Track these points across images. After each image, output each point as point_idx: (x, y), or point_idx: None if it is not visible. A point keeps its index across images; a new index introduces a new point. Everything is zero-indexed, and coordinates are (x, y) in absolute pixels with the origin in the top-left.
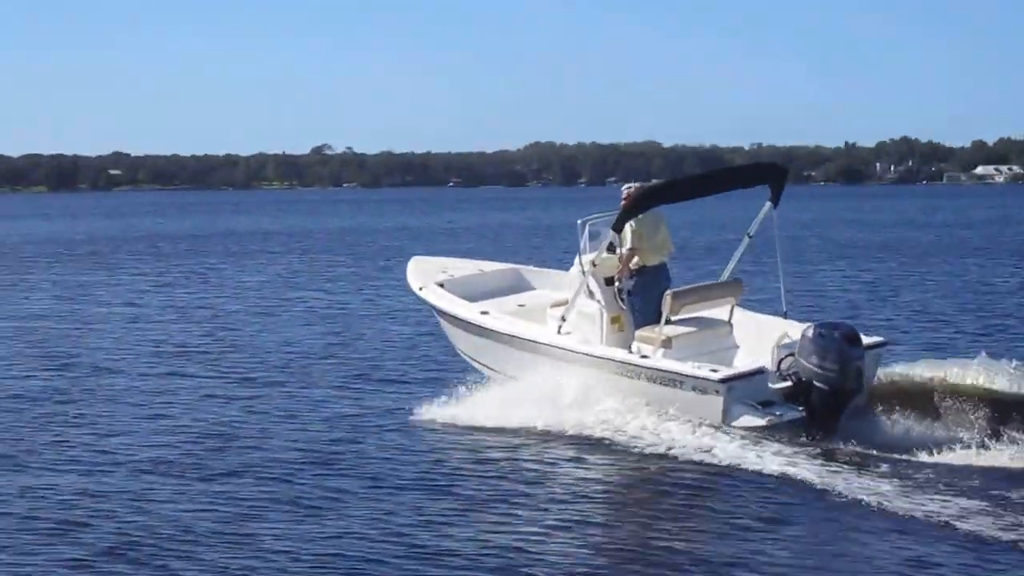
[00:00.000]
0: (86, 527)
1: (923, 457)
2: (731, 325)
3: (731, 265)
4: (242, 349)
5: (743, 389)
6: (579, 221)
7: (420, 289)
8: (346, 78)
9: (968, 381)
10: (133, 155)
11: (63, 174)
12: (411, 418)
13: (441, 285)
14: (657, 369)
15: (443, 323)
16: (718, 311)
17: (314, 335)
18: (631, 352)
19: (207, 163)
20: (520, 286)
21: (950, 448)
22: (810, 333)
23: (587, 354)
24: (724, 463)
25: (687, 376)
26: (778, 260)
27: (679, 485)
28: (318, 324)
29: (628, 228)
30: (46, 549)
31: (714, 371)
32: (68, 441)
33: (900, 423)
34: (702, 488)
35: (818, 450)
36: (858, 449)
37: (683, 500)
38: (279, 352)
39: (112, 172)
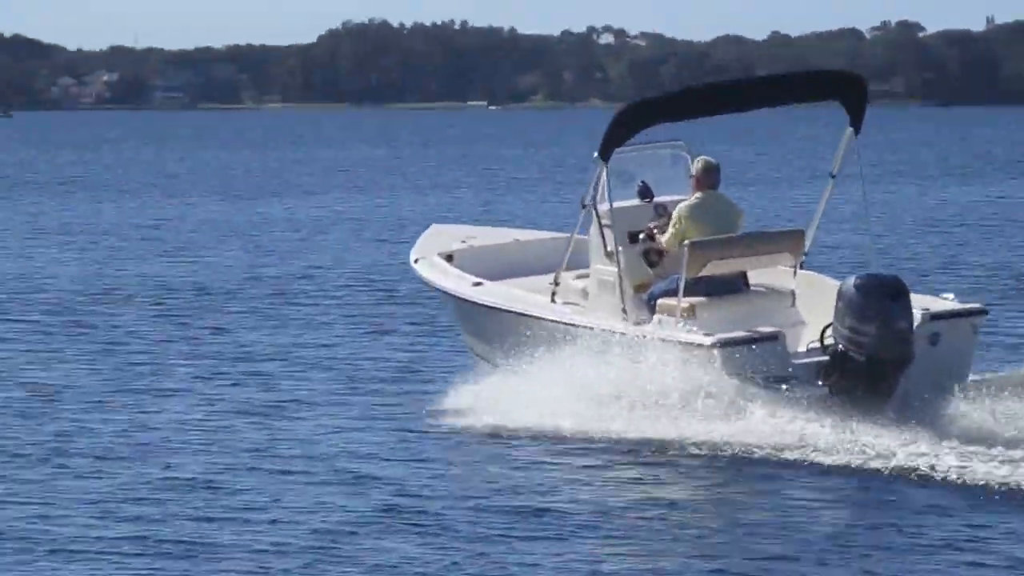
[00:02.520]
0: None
1: None
2: (792, 293)
3: (816, 218)
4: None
5: (747, 359)
6: (595, 155)
7: (416, 262)
8: None
9: None
10: None
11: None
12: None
13: (449, 257)
14: (629, 335)
15: (447, 307)
16: (775, 273)
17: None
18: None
19: None
20: (571, 261)
21: None
22: (844, 289)
23: (569, 323)
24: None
25: (674, 342)
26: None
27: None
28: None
29: (679, 214)
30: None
31: (708, 335)
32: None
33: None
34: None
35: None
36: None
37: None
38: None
39: None
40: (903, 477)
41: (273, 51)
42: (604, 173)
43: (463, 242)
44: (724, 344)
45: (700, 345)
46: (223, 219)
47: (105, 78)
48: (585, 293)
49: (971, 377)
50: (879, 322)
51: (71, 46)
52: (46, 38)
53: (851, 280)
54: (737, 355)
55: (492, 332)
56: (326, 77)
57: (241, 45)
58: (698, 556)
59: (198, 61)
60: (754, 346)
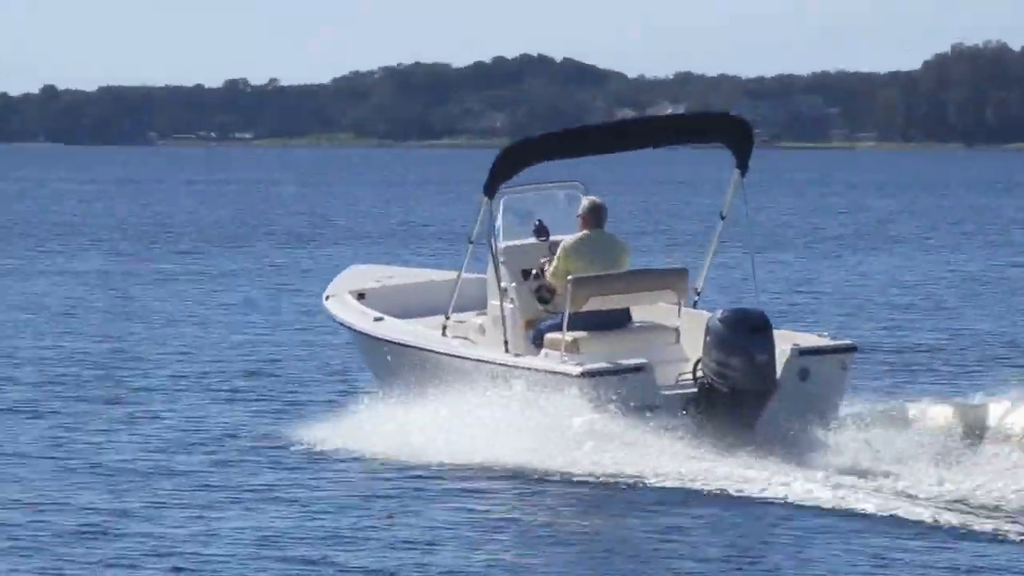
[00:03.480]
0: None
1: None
2: (676, 330)
3: (708, 257)
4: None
5: (613, 388)
6: (494, 195)
7: (327, 299)
8: None
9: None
10: None
11: None
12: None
13: (361, 295)
14: (505, 365)
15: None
16: (661, 310)
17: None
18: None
19: None
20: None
21: None
22: (711, 324)
23: (450, 355)
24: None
25: (543, 371)
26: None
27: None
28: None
29: (562, 250)
30: None
31: (578, 364)
32: None
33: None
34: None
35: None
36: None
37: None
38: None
39: None
40: (757, 502)
41: (868, 80)
42: (487, 210)
43: (377, 282)
44: (590, 374)
45: (567, 375)
46: None
47: (670, 110)
48: (483, 329)
49: (842, 411)
50: (741, 355)
51: (631, 73)
52: (602, 63)
53: (717, 314)
54: (602, 385)
55: (386, 364)
56: (932, 111)
57: (830, 73)
58: None
59: (778, 92)
60: (619, 376)
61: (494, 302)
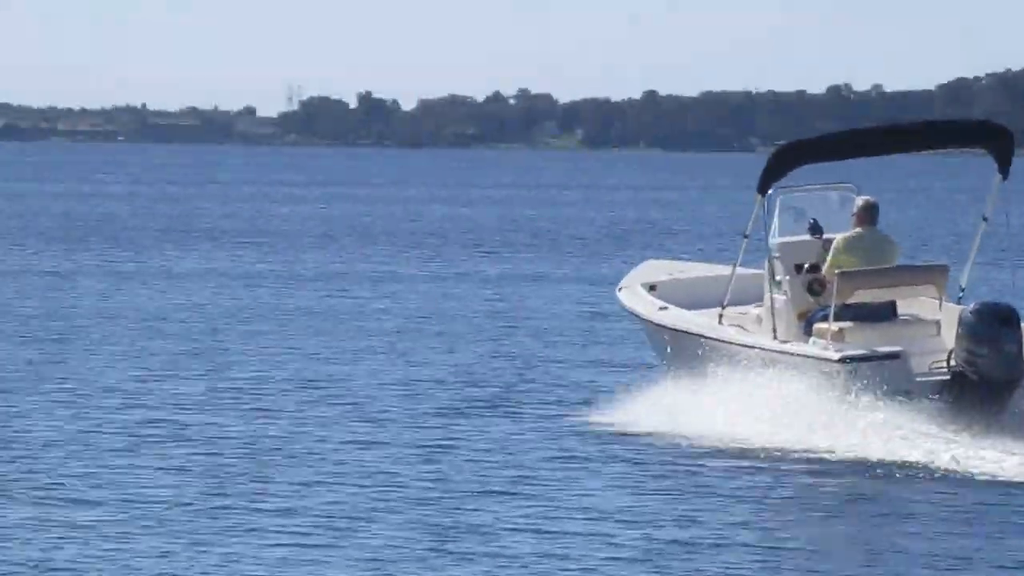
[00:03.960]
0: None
1: None
2: (937, 323)
3: (971, 256)
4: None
5: (871, 374)
6: (769, 192)
7: (620, 290)
8: None
9: None
10: None
11: None
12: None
13: (652, 288)
14: (771, 350)
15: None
16: (924, 305)
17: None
18: None
19: None
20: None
21: None
22: (963, 316)
23: (720, 340)
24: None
25: (798, 355)
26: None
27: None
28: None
29: (836, 246)
30: None
31: (837, 351)
32: None
33: None
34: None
35: None
36: None
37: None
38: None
39: None
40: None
41: None
42: (761, 206)
43: (669, 275)
44: (849, 359)
45: (828, 360)
46: None
47: None
48: (759, 319)
49: None
50: (990, 345)
51: None
52: None
53: (970, 307)
54: (859, 370)
55: (668, 351)
56: None
57: None
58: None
59: None
60: (876, 363)
61: (769, 294)
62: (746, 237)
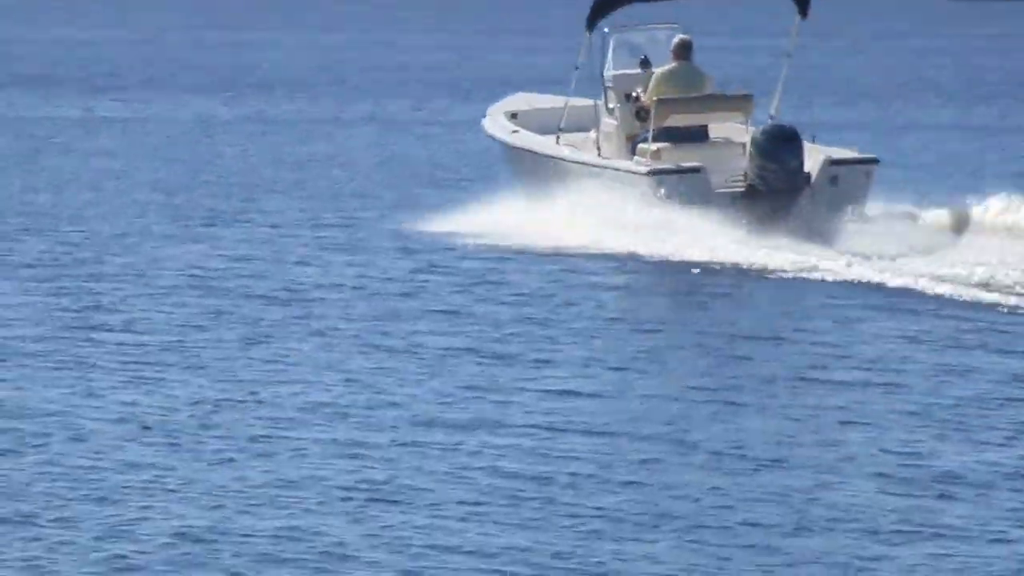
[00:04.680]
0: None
1: None
2: (743, 145)
3: (779, 86)
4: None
5: (675, 185)
6: (605, 30)
7: (485, 117)
8: None
9: None
10: None
11: None
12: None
13: (514, 116)
14: (594, 165)
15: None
16: (733, 129)
17: None
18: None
19: None
20: None
21: None
22: (754, 136)
23: (559, 158)
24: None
25: (616, 169)
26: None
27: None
28: None
29: (655, 78)
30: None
31: (646, 165)
32: None
33: None
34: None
35: None
36: None
37: None
38: None
39: None
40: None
41: None
42: (588, 41)
43: (529, 105)
44: (655, 172)
45: (639, 173)
46: None
47: None
48: (595, 142)
49: (866, 210)
50: (775, 160)
51: None
52: None
53: (759, 128)
54: (666, 182)
55: (516, 167)
56: None
57: None
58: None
59: None
60: (679, 176)
61: (604, 119)
62: (577, 68)
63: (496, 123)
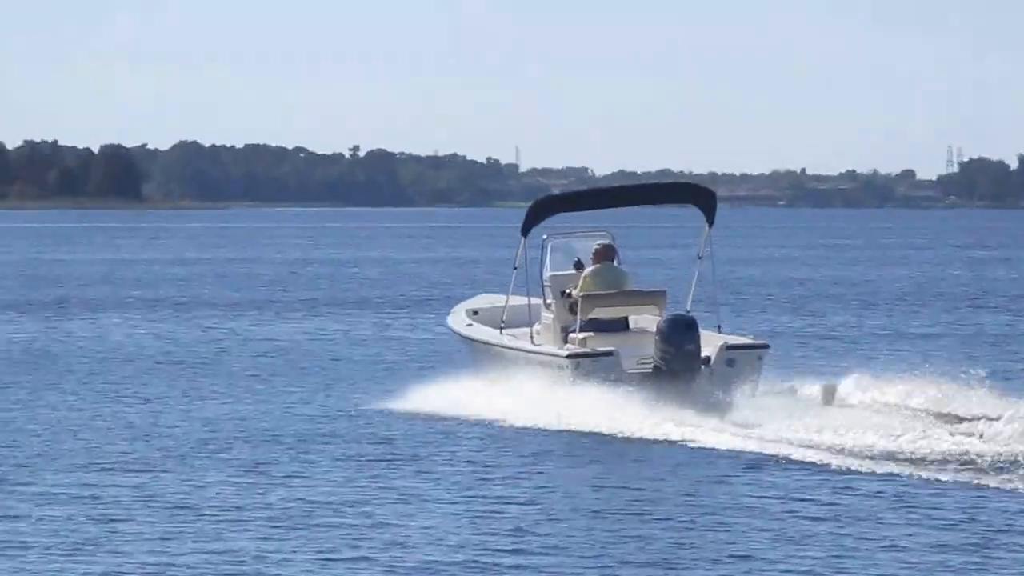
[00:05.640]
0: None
1: None
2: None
3: (692, 287)
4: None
5: (590, 367)
6: (544, 236)
7: (450, 314)
8: None
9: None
10: None
11: None
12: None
13: (475, 313)
14: (526, 351)
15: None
16: (652, 320)
17: None
18: None
19: None
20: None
21: None
22: (659, 324)
23: (498, 345)
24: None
25: (544, 355)
26: (713, 276)
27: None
28: None
29: (583, 277)
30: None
31: (565, 350)
32: None
33: None
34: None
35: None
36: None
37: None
38: None
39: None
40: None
41: None
42: (523, 246)
43: (490, 304)
44: (573, 356)
45: (560, 356)
46: None
47: None
48: (536, 332)
49: (759, 388)
50: (675, 345)
51: None
52: None
53: (663, 317)
54: (582, 364)
55: (470, 354)
56: None
57: None
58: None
59: None
60: (593, 359)
61: (543, 313)
62: (515, 269)
63: (456, 318)
